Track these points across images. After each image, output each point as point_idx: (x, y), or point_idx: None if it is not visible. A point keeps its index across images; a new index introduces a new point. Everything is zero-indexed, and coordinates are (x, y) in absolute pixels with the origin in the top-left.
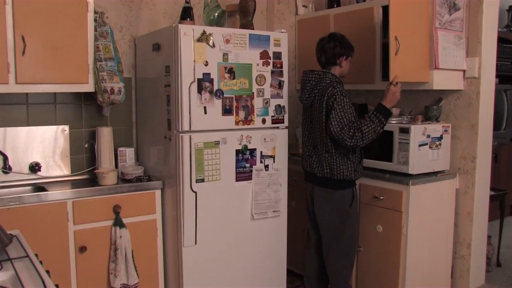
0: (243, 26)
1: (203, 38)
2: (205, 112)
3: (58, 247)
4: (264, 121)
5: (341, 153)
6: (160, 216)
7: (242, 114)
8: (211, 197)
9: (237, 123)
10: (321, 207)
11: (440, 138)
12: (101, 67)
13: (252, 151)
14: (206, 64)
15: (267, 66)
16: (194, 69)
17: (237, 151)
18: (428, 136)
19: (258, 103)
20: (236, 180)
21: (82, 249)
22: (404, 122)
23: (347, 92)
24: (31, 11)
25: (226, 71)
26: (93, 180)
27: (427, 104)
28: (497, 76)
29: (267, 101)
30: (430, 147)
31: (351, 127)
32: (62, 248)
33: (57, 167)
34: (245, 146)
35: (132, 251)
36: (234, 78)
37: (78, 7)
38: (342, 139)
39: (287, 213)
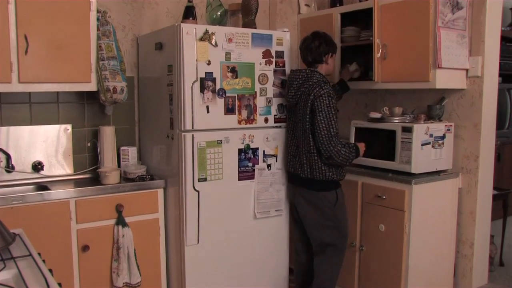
0: (245, 25)
1: (206, 37)
2: (208, 111)
3: (61, 246)
4: (266, 120)
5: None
6: (162, 215)
7: (244, 113)
8: (213, 196)
9: (239, 122)
10: (303, 207)
11: (443, 137)
12: (104, 66)
13: (255, 150)
14: (209, 63)
15: (269, 65)
16: (196, 68)
17: (240, 150)
18: (431, 135)
19: (260, 102)
20: (239, 179)
21: (85, 248)
22: (407, 121)
23: (332, 92)
24: (34, 11)
25: (229, 70)
26: (95, 179)
27: (430, 103)
28: (500, 75)
29: (270, 100)
30: (432, 146)
31: (338, 142)
32: (65, 247)
33: (59, 166)
34: (248, 145)
35: (135, 250)
36: (236, 77)
37: (80, 6)
38: (327, 148)
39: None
